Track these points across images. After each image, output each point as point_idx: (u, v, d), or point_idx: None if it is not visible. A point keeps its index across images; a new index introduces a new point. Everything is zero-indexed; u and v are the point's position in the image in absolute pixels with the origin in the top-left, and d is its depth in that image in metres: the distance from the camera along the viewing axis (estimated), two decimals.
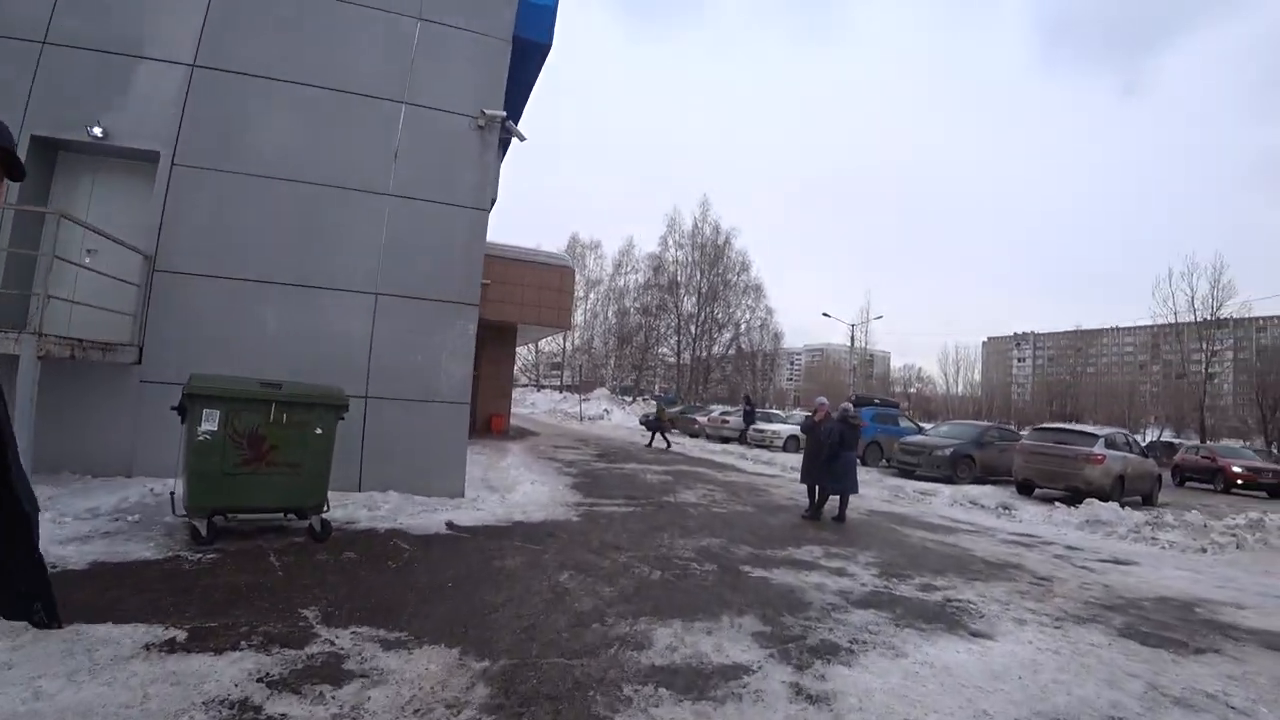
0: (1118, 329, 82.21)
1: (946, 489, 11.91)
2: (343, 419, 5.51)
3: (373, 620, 3.56)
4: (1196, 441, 37.30)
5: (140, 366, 6.66)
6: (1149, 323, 49.75)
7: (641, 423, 30.00)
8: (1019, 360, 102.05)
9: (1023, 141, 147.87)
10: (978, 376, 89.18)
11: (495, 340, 20.85)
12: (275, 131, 7.22)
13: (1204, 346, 43.08)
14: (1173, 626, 4.90)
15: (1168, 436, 45.92)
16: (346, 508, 6.33)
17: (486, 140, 7.95)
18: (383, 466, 7.18)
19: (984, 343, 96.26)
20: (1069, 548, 7.86)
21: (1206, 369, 42.85)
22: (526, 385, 53.96)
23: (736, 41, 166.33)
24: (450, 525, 6.11)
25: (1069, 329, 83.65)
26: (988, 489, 12.22)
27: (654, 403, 40.67)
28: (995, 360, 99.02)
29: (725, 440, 22.37)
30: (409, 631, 3.44)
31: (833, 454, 8.30)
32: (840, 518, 8.24)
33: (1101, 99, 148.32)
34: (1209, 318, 42.71)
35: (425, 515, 6.41)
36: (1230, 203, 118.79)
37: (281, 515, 5.40)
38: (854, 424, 8.59)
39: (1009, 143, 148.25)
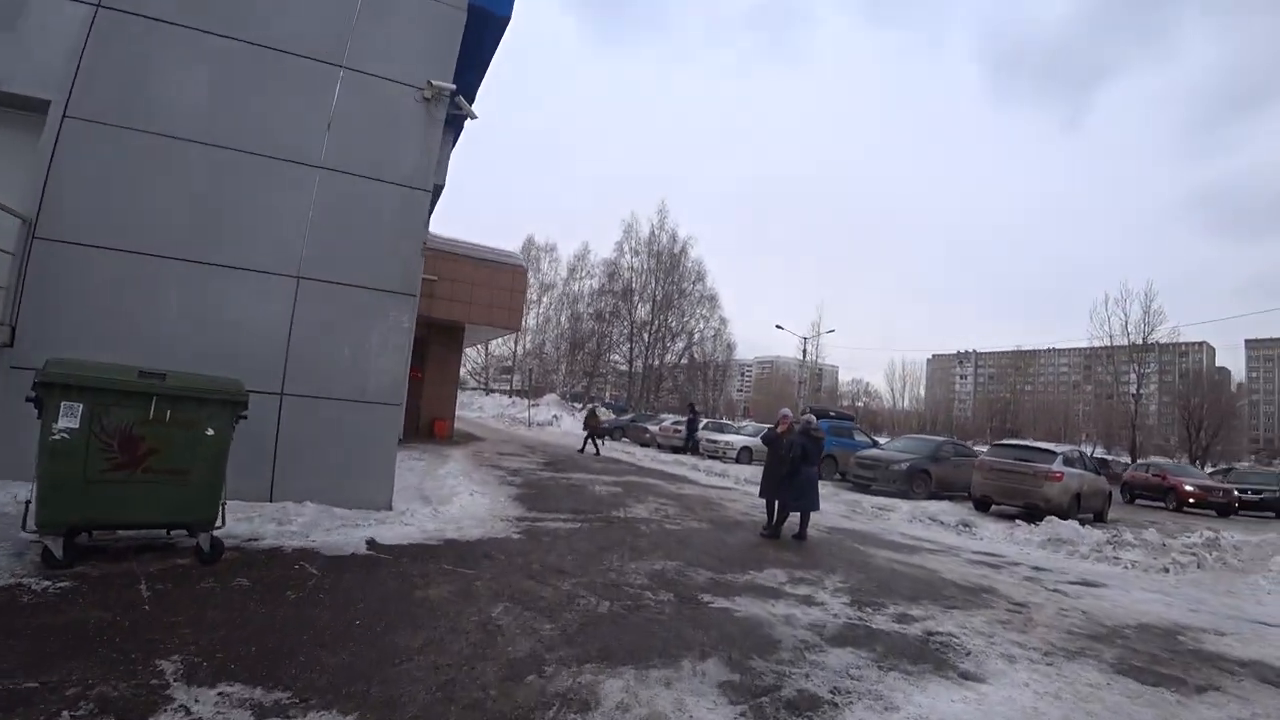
0: (1053, 350, 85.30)
1: (904, 504, 11.60)
2: (244, 418, 4.71)
3: (250, 674, 2.83)
4: (1127, 458, 38.69)
5: (11, 350, 5.67)
6: (1085, 344, 51.59)
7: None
8: (961, 377, 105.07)
9: (970, 168, 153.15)
10: (922, 392, 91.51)
11: (441, 340, 19.91)
12: (190, 87, 6.32)
13: (1136, 369, 44.68)
14: (1164, 660, 4.53)
15: (1099, 453, 47.59)
16: (252, 521, 5.52)
17: (433, 115, 7.21)
18: (299, 474, 6.34)
19: (929, 359, 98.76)
20: (1036, 568, 7.54)
21: (1139, 390, 44.41)
22: (475, 389, 52.61)
23: (696, 56, 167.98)
24: (371, 544, 5.34)
25: (1009, 349, 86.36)
26: (945, 505, 11.95)
27: (602, 409, 40.10)
28: (939, 377, 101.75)
29: (677, 450, 21.83)
30: (294, 691, 2.71)
31: (794, 469, 7.81)
32: (801, 536, 7.75)
33: (1044, 132, 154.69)
34: (1141, 342, 44.34)
35: (344, 531, 5.63)
36: (1160, 234, 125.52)
37: (165, 532, 4.57)
38: (816, 437, 8.13)
39: (957, 169, 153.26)
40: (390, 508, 6.65)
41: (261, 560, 4.64)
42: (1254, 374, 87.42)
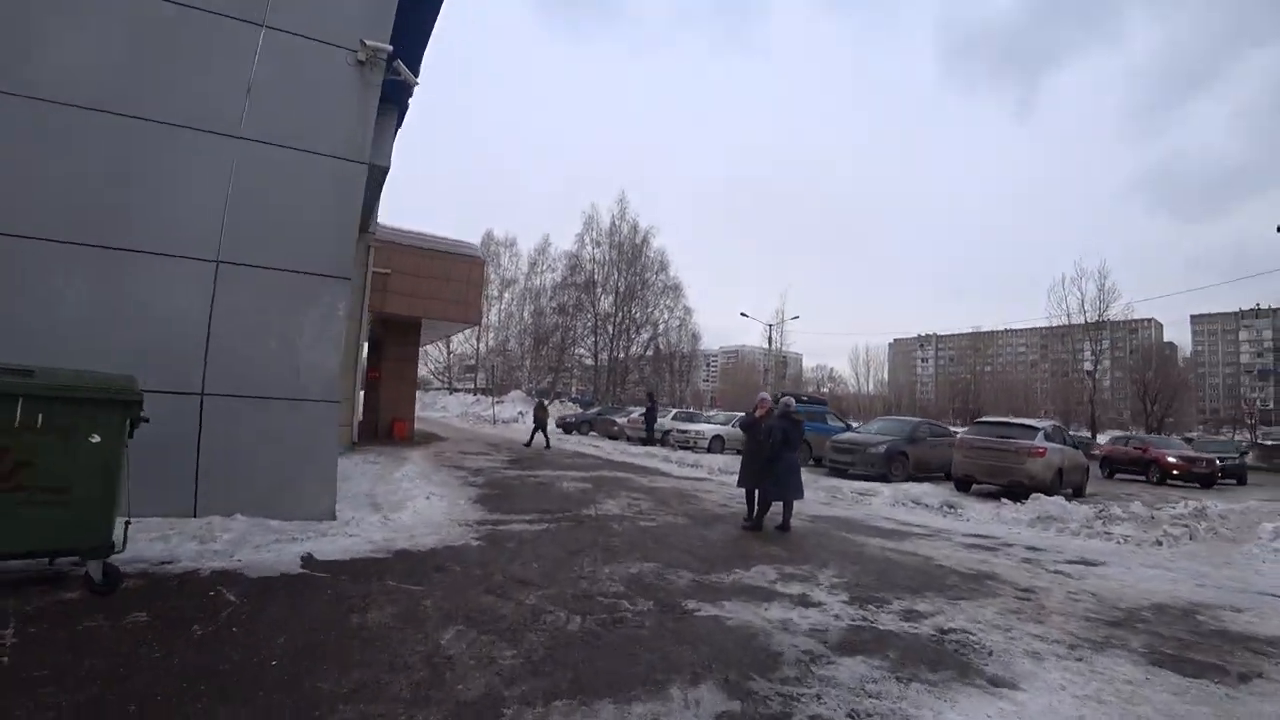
0: (1010, 330, 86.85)
1: (885, 488, 11.22)
2: (143, 421, 4.00)
3: None
4: (1086, 433, 39.43)
5: None
6: (1044, 324, 52.55)
7: (558, 425, 28.66)
8: (923, 360, 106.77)
9: (928, 153, 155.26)
10: (886, 376, 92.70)
11: (397, 337, 19.05)
12: (86, 46, 5.49)
13: (1093, 346, 45.61)
14: (1194, 645, 4.13)
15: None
16: (169, 540, 4.80)
17: (368, 79, 6.50)
18: (228, 484, 5.61)
19: (891, 344, 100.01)
20: (1031, 549, 7.17)
21: (1096, 366, 45.35)
22: (439, 388, 51.48)
23: (657, 47, 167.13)
24: (306, 561, 4.66)
25: (968, 331, 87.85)
26: (927, 487, 11.60)
27: (567, 402, 39.43)
28: (901, 360, 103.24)
29: (645, 442, 21.27)
30: None
31: (774, 455, 7.31)
32: (785, 526, 7.25)
33: (997, 116, 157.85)
34: (1097, 319, 45.25)
35: (277, 547, 4.93)
36: (1108, 215, 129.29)
37: (47, 561, 3.84)
38: (796, 420, 7.63)
39: (915, 154, 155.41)
40: (333, 517, 5.95)
41: (170, 588, 3.94)
42: (1199, 348, 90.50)
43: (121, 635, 3.19)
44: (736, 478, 8.06)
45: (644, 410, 22.58)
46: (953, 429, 18.18)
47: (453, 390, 50.60)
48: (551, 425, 21.61)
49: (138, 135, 5.58)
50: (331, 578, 4.34)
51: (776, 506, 7.38)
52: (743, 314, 41.55)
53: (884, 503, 10.21)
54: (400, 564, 4.81)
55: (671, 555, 5.66)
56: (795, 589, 4.79)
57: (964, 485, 11.99)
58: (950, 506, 9.92)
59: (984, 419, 13.63)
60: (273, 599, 3.83)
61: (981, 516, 9.23)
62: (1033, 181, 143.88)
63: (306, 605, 3.76)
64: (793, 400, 7.92)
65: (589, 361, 50.08)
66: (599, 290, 48.58)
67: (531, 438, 17.74)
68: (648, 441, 20.98)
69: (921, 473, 13.83)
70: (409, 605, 3.85)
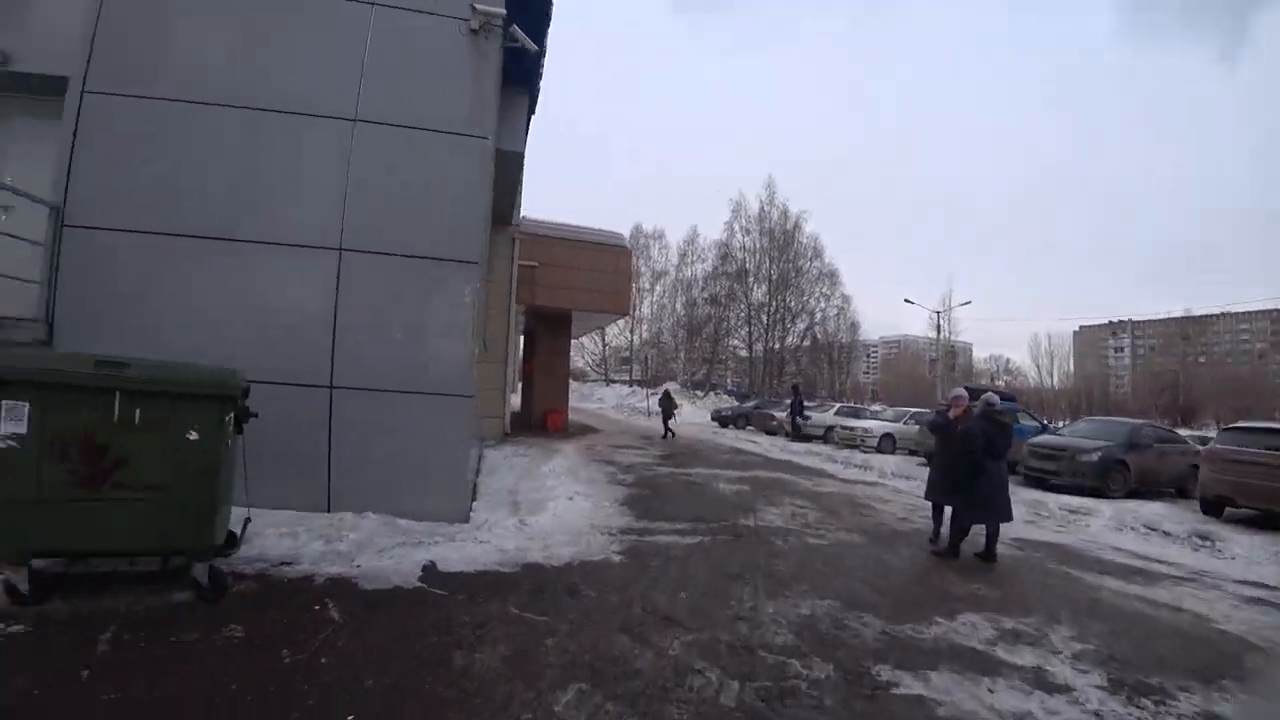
0: (1228, 314, 74.10)
1: (1104, 506, 9.22)
2: (253, 416, 3.68)
3: None
4: None
5: (50, 347, 5.02)
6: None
7: (713, 419, 27.89)
8: (1115, 350, 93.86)
9: (1117, 117, 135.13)
10: (1071, 368, 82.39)
11: (548, 329, 19.16)
12: (207, 42, 5.49)
13: None
14: None
15: None
16: (297, 537, 4.54)
17: (483, 49, 6.01)
18: (359, 479, 5.36)
19: (1075, 332, 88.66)
20: None
21: None
22: (595, 380, 52.63)
23: (796, 30, 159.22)
24: (427, 572, 4.17)
25: (1175, 314, 75.90)
26: (1160, 508, 9.41)
27: (729, 398, 38.57)
28: (1089, 350, 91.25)
29: (808, 439, 19.80)
30: None
31: (976, 467, 5.96)
32: (989, 555, 5.89)
33: (1198, 68, 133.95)
34: None
35: (400, 552, 4.51)
36: None
37: (161, 560, 3.60)
38: (1002, 423, 6.20)
39: (1098, 119, 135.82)
40: (466, 519, 5.54)
41: (280, 595, 3.57)
42: None
43: (208, 655, 2.81)
44: (923, 487, 6.79)
45: (790, 401, 21.32)
46: (1179, 433, 15.11)
47: (609, 382, 51.50)
48: (704, 417, 20.84)
49: (260, 126, 5.50)
50: (448, 595, 3.78)
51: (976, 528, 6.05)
52: (907, 300, 38.26)
53: (1106, 526, 8.31)
54: (528, 581, 4.19)
55: (849, 587, 4.61)
56: (1025, 658, 3.58)
57: (1214, 508, 9.51)
58: (1203, 538, 7.81)
59: (1242, 424, 10.78)
60: (378, 621, 3.31)
61: (1253, 554, 7.11)
62: (1251, 136, 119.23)
63: (412, 634, 3.19)
64: (996, 398, 6.44)
65: (743, 353, 48.88)
66: (751, 279, 47.19)
67: (665, 430, 17.49)
68: (794, 437, 19.68)
69: (1145, 487, 11.42)
70: (527, 643, 3.17)
